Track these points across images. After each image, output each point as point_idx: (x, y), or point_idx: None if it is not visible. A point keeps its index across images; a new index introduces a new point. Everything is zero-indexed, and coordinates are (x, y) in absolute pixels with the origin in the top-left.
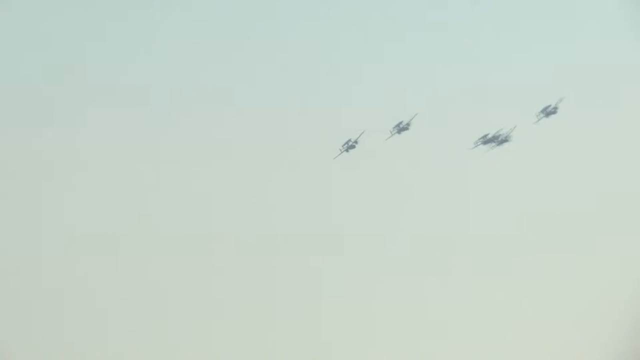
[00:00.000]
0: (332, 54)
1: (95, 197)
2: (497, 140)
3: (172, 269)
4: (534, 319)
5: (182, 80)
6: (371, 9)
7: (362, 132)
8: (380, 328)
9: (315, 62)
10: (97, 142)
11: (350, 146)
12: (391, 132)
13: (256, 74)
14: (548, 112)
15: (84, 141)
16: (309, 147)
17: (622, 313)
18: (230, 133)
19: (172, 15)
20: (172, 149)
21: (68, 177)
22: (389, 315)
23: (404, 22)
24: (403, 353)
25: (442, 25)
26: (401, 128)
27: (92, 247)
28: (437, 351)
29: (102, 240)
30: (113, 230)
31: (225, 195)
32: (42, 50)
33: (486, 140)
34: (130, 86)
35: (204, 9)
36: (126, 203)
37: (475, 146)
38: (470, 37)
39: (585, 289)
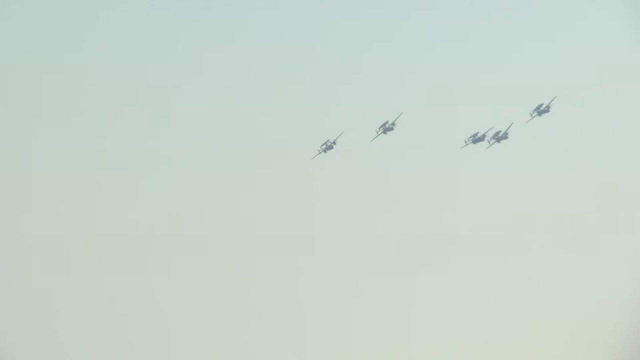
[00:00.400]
0: (316, 55)
1: (83, 198)
2: (496, 137)
3: (155, 269)
4: (527, 320)
5: (165, 82)
6: (358, 9)
7: (341, 133)
8: (364, 328)
9: (299, 63)
10: (84, 143)
11: (328, 147)
12: (377, 132)
13: (240, 75)
14: (541, 110)
15: (77, 141)
16: (297, 147)
17: (622, 313)
18: (214, 134)
19: (154, 18)
20: (156, 150)
21: (60, 177)
22: (373, 315)
23: (391, 23)
24: (392, 352)
25: (431, 25)
26: (387, 128)
27: (84, 247)
28: (428, 350)
29: (91, 240)
30: (101, 230)
31: (207, 196)
32: (40, 50)
33: (476, 139)
34: (115, 87)
35: (181, 12)
36: (112, 203)
37: (466, 145)
38: (461, 36)
39: (583, 289)
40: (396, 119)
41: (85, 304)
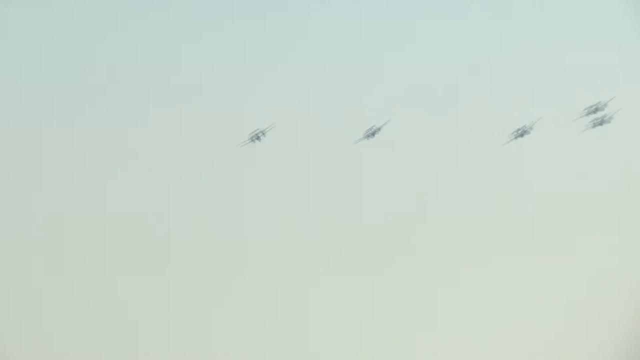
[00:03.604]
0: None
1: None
2: (598, 121)
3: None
4: (536, 318)
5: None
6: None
7: (272, 125)
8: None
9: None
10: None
11: (255, 136)
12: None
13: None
14: (594, 110)
15: (72, 142)
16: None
17: (622, 313)
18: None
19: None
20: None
21: (63, 176)
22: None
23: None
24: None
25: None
26: (370, 134)
27: (82, 247)
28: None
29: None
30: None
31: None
32: (37, 52)
33: (518, 134)
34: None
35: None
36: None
37: (510, 140)
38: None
39: (586, 289)
40: (383, 125)
41: (88, 303)
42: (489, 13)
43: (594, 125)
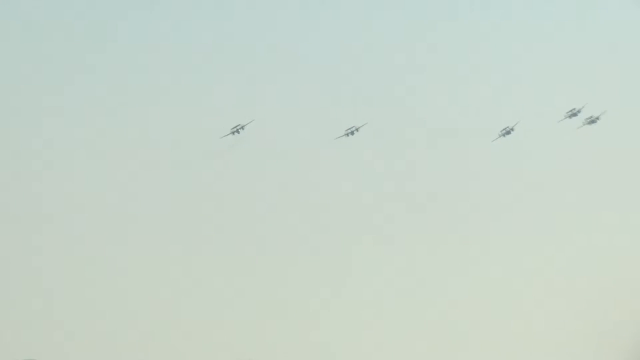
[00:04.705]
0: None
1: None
2: (588, 120)
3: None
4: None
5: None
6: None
7: (251, 120)
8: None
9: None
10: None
11: (235, 131)
12: (345, 133)
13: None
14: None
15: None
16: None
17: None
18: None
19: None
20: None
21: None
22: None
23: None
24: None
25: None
26: (350, 132)
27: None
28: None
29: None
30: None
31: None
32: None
33: (506, 132)
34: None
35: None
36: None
37: (498, 138)
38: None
39: (586, 288)
40: (361, 126)
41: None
42: (478, 17)
43: (590, 123)
